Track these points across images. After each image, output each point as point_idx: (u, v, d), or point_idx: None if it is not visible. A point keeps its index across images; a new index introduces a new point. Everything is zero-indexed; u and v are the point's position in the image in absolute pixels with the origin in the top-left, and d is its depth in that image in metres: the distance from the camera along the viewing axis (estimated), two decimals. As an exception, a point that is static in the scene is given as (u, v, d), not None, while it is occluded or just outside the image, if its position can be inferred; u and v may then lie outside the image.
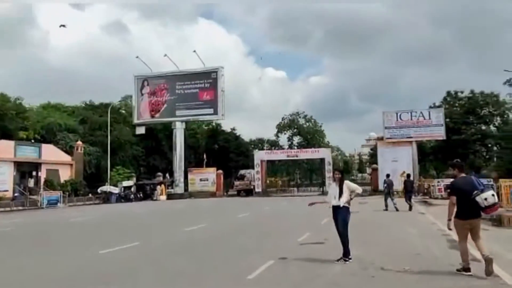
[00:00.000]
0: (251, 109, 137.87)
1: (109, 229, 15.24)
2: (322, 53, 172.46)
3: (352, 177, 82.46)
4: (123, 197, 39.65)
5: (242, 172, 46.41)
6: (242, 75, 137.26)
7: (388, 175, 22.46)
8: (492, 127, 44.52)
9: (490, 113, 44.57)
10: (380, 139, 42.33)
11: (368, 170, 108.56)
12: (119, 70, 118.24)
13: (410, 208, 19.06)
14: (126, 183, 42.47)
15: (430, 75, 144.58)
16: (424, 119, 38.79)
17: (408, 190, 21.28)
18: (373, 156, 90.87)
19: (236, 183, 45.63)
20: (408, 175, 23.81)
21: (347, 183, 8.29)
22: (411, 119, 39.12)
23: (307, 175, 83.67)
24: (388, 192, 20.55)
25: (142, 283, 6.60)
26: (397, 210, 18.67)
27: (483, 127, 43.94)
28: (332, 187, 8.60)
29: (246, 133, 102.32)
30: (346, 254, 7.98)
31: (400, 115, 39.51)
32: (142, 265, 7.93)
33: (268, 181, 48.01)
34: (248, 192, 43.13)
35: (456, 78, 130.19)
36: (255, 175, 44.12)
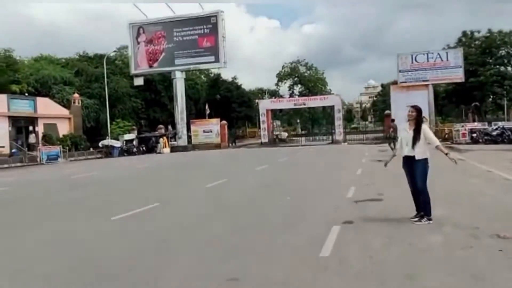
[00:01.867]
0: (244, 60, 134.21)
1: (120, 187, 13.52)
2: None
3: (355, 125, 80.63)
4: (126, 151, 37.99)
5: None
6: (233, 25, 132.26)
7: (393, 120, 23.10)
8: (509, 68, 42.15)
9: (508, 53, 42.05)
10: (394, 83, 40.10)
11: (370, 118, 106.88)
12: (110, 23, 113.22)
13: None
14: (127, 137, 40.66)
15: (427, 20, 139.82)
16: (442, 60, 36.41)
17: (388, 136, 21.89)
18: (376, 104, 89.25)
19: None
20: (393, 120, 23.54)
21: (424, 130, 6.43)
22: (428, 61, 36.72)
23: (309, 124, 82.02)
24: (394, 137, 20.21)
25: (183, 263, 4.89)
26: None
27: (502, 68, 41.57)
28: (403, 131, 6.75)
29: (243, 84, 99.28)
30: (427, 213, 6.32)
31: (415, 57, 37.07)
32: (173, 237, 6.21)
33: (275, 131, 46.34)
34: None
35: (455, 22, 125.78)
36: (261, 125, 42.37)
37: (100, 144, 38.01)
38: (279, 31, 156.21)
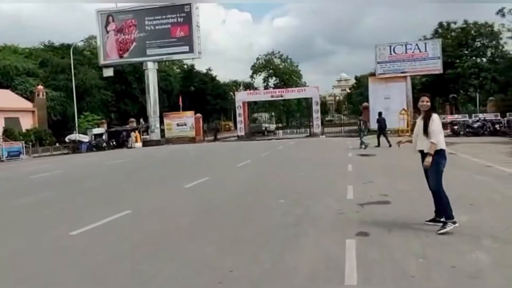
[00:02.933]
0: (217, 53, 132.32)
1: (86, 189, 12.00)
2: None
3: (328, 118, 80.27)
4: (95, 146, 36.02)
5: None
6: (205, 18, 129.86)
7: (380, 113, 23.68)
8: (484, 60, 42.14)
9: (484, 45, 42.04)
10: (372, 75, 39.52)
11: (345, 111, 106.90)
12: (79, 11, 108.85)
13: (390, 144, 19.76)
14: (96, 131, 38.64)
15: (395, 14, 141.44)
16: (420, 51, 35.95)
17: (382, 128, 22.11)
18: (351, 96, 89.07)
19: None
20: (380, 113, 23.91)
21: (435, 120, 5.51)
22: (406, 52, 36.20)
23: (284, 117, 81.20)
24: (362, 129, 21.60)
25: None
26: (365, 147, 20.24)
27: (478, 60, 41.51)
28: (417, 122, 5.82)
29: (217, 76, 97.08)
30: (448, 215, 5.36)
31: (393, 48, 36.50)
32: (149, 261, 4.93)
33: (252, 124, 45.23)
34: None
35: (424, 16, 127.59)
36: (237, 118, 41.17)
37: (66, 139, 35.92)
38: (251, 24, 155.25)
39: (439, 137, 5.42)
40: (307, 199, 8.03)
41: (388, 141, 20.26)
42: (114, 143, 38.38)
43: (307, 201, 7.76)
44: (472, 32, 41.85)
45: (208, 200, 8.52)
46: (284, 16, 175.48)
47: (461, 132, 27.11)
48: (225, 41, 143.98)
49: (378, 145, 20.90)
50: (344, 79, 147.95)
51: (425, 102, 5.56)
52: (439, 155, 5.46)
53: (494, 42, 41.34)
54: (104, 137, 38.72)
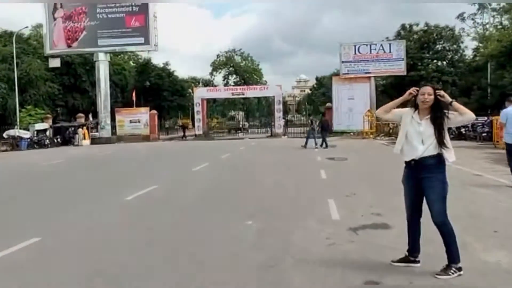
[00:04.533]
0: (174, 51, 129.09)
1: None
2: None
3: (287, 118, 79.37)
4: (36, 143, 32.79)
5: None
6: (163, 13, 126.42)
7: (323, 114, 25.75)
8: (445, 63, 42.22)
9: (444, 48, 42.09)
10: (336, 75, 38.49)
11: (305, 112, 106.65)
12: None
13: (326, 146, 20.94)
14: (39, 126, 35.29)
15: (349, 17, 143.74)
16: (384, 52, 35.21)
17: (324, 129, 22.34)
18: (314, 96, 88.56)
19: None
20: (323, 114, 25.69)
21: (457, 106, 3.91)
22: (370, 52, 35.36)
23: (245, 116, 79.57)
24: (321, 129, 22.27)
25: None
26: (305, 147, 21.08)
27: (439, 63, 41.49)
28: (408, 121, 4.07)
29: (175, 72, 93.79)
30: (453, 259, 3.86)
31: (358, 48, 35.55)
32: None
33: (211, 123, 43.21)
34: None
35: (379, 20, 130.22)
36: (195, 116, 39.04)
37: (5, 135, 32.40)
38: (210, 22, 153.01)
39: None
40: (281, 219, 6.24)
41: (326, 143, 21.32)
42: (59, 140, 35.24)
43: (283, 224, 5.97)
44: (434, 34, 41.79)
45: (150, 221, 6.53)
46: (243, 15, 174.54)
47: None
48: (183, 38, 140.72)
49: (326, 146, 21.33)
50: (303, 80, 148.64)
51: (426, 95, 3.88)
52: (445, 173, 3.91)
53: (455, 46, 41.46)
54: (48, 133, 35.48)
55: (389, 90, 40.72)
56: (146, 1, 37.22)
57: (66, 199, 8.83)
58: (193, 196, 8.65)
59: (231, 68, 79.14)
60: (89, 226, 6.30)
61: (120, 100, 49.67)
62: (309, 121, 24.27)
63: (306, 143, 21.59)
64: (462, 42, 41.42)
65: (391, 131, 29.23)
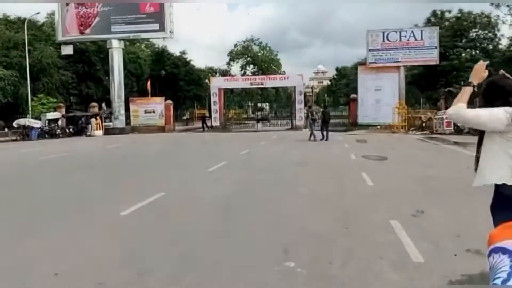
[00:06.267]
0: (191, 41, 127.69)
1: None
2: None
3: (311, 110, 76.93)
4: (47, 133, 31.50)
5: None
6: (179, 5, 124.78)
7: (325, 107, 25.63)
8: (478, 52, 39.33)
9: (479, 37, 39.17)
10: (362, 64, 36.05)
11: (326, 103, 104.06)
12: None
13: (327, 138, 20.62)
14: (51, 115, 33.91)
15: (366, 9, 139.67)
16: (416, 40, 32.56)
17: (325, 121, 21.66)
18: (335, 87, 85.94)
19: None
20: (325, 106, 25.42)
21: None
22: (400, 39, 32.75)
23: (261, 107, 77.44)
24: (322, 122, 21.77)
25: None
26: (315, 139, 20.62)
27: (473, 53, 38.63)
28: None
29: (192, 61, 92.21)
30: None
31: (387, 35, 32.98)
32: None
33: (229, 114, 41.36)
34: None
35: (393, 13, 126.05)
36: (212, 106, 37.23)
37: (14, 124, 31.11)
38: (226, 13, 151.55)
39: None
40: (337, 259, 4.28)
41: (327, 136, 20.84)
42: (71, 130, 33.90)
43: (339, 271, 4.00)
44: (468, 22, 38.91)
45: (143, 255, 4.64)
46: (258, 6, 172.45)
47: (465, 130, 23.97)
48: (199, 29, 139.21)
49: (324, 138, 20.87)
50: (321, 72, 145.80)
51: None
52: None
53: (490, 34, 38.53)
54: (60, 122, 34.15)
55: (418, 81, 38.07)
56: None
57: (57, 207, 7.02)
58: (205, 212, 6.70)
59: (248, 58, 77.07)
60: (67, 257, 4.42)
61: (136, 89, 48.18)
62: (309, 112, 23.60)
63: (312, 135, 21.07)
64: (498, 30, 38.46)
65: (424, 124, 26.88)
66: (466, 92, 2.62)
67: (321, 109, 26.73)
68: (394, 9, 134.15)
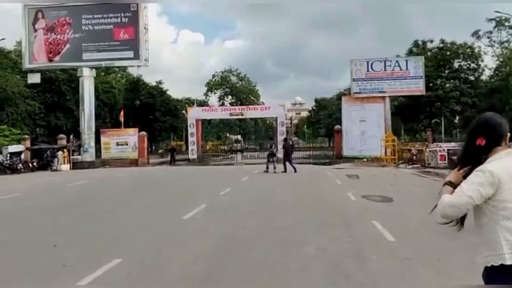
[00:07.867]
0: (167, 72, 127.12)
1: None
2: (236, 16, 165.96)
3: (292, 141, 75.66)
4: (8, 167, 28.77)
5: None
6: (156, 36, 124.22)
7: (285, 139, 24.67)
8: (462, 83, 38.76)
9: (462, 67, 38.73)
10: (346, 94, 34.88)
11: (306, 135, 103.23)
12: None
13: (295, 170, 20.42)
14: (13, 148, 31.20)
15: (338, 41, 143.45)
16: (401, 69, 31.66)
17: (288, 154, 21.82)
18: (315, 117, 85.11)
19: None
20: (285, 139, 24.54)
21: None
22: (385, 69, 31.82)
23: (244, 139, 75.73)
24: (284, 154, 21.81)
25: None
26: (268, 171, 21.10)
27: (457, 83, 37.99)
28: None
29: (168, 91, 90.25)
30: None
31: (371, 65, 32.01)
32: None
33: (207, 146, 39.31)
34: None
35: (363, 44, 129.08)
36: (189, 138, 35.20)
37: (-30, 158, 28.39)
38: (202, 45, 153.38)
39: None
40: None
41: (294, 167, 20.73)
42: (35, 164, 31.18)
43: None
44: (451, 52, 38.50)
45: None
46: (234, 38, 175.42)
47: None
48: (176, 60, 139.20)
49: (285, 170, 20.82)
50: (299, 103, 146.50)
51: None
52: None
53: (473, 65, 38.14)
54: (23, 156, 31.45)
55: (402, 111, 37.04)
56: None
57: None
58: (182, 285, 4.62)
59: (227, 89, 76.08)
60: None
61: (109, 120, 45.81)
62: (269, 145, 25.18)
63: (267, 167, 21.45)
64: (482, 61, 38.11)
65: (414, 157, 25.41)
66: (447, 190, 2.29)
67: (282, 142, 25.38)
68: (363, 39, 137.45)
